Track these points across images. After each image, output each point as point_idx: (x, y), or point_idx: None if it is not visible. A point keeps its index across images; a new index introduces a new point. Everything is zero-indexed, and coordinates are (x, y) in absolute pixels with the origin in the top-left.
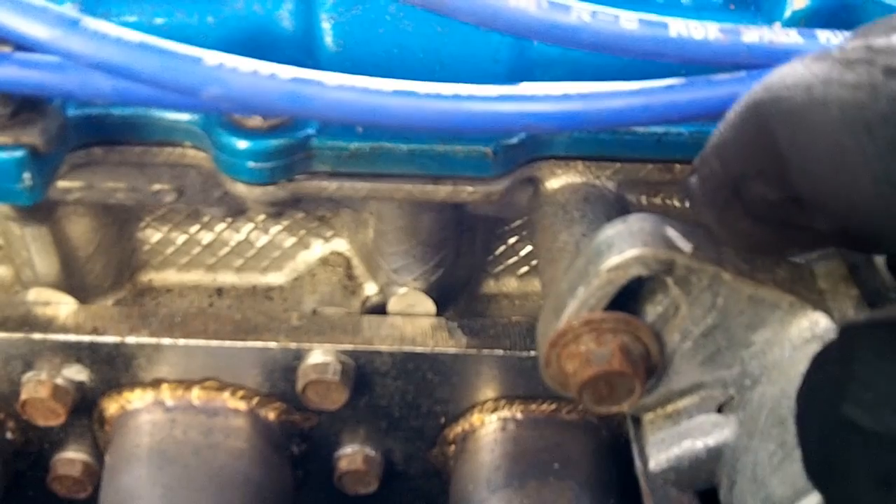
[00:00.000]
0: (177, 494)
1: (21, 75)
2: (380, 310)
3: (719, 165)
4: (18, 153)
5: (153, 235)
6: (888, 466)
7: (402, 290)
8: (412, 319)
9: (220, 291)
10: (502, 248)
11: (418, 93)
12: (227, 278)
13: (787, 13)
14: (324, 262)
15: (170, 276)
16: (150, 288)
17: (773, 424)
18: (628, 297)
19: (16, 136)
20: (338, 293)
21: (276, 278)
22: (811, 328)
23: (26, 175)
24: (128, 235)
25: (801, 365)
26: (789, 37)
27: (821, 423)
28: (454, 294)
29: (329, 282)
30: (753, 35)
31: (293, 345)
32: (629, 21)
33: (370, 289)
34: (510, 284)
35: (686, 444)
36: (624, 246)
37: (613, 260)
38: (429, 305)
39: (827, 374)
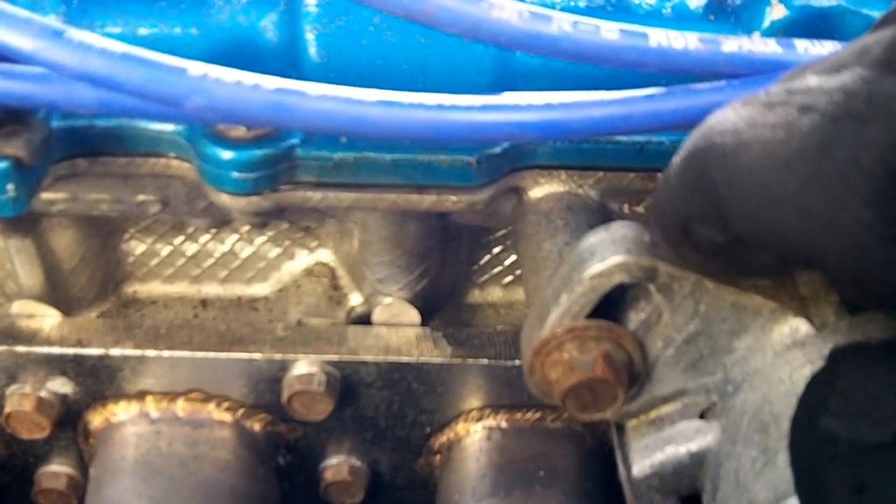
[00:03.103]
0: None
1: (4, 87)
2: (365, 320)
3: (669, 208)
4: (2, 164)
5: (137, 247)
6: (861, 473)
7: (387, 300)
8: (397, 329)
9: (204, 303)
10: (487, 257)
11: (401, 103)
12: (211, 290)
13: (766, 23)
14: (308, 272)
15: (154, 288)
16: (135, 300)
17: (756, 430)
18: (611, 305)
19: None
20: (323, 304)
21: (260, 289)
22: (792, 335)
23: (10, 186)
24: (112, 247)
25: (782, 371)
26: (768, 46)
27: (804, 437)
28: (439, 304)
29: (314, 292)
30: (733, 45)
31: (278, 356)
32: (610, 31)
33: (355, 299)
34: (495, 294)
35: (669, 451)
36: (606, 253)
37: (596, 267)
38: (413, 315)
39: (814, 395)
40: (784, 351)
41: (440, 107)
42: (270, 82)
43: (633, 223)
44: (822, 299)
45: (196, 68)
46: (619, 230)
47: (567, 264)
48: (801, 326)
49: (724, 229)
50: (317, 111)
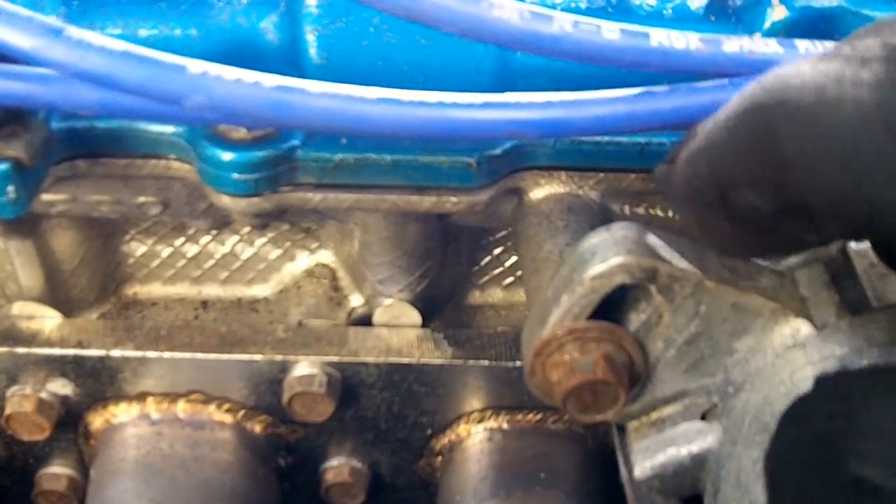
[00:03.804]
0: None
1: (4, 87)
2: (365, 321)
3: (707, 169)
4: (2, 166)
5: (138, 248)
6: None
7: (388, 301)
8: (398, 330)
9: (205, 304)
10: (487, 258)
11: (402, 100)
12: (212, 291)
13: (767, 24)
14: (309, 273)
15: (155, 289)
16: (135, 301)
17: (757, 431)
18: (612, 306)
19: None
20: (323, 305)
21: (261, 290)
22: (793, 335)
23: (10, 188)
24: (112, 248)
25: (783, 372)
26: (769, 46)
27: (822, 484)
28: (440, 305)
29: (315, 294)
30: (734, 45)
31: (279, 357)
32: (611, 31)
33: (356, 300)
34: (496, 295)
35: (670, 452)
36: (608, 254)
37: (597, 268)
38: (414, 316)
39: (815, 429)
40: (785, 352)
41: (441, 104)
42: (270, 80)
43: (633, 224)
44: (824, 300)
45: (196, 66)
46: (620, 231)
47: (568, 265)
48: (801, 327)
49: (776, 196)
50: (317, 109)
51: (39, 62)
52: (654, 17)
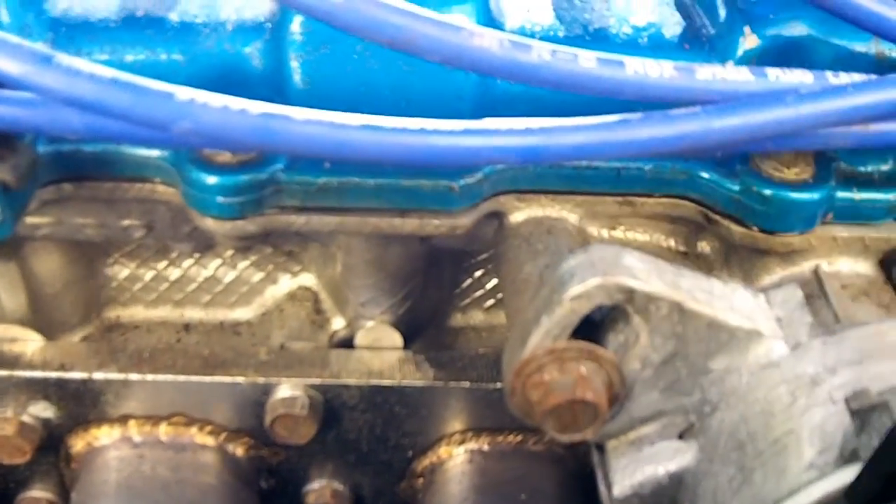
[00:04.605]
0: None
1: None
2: (347, 343)
3: None
4: None
5: (121, 272)
6: None
7: (370, 323)
8: (380, 353)
9: (187, 327)
10: (468, 281)
11: (385, 127)
12: (194, 314)
13: (740, 52)
14: (291, 296)
15: (137, 313)
16: (118, 324)
17: (732, 449)
18: (590, 327)
19: None
20: (306, 328)
21: (243, 313)
22: (767, 355)
23: None
24: (95, 271)
25: (758, 391)
26: (740, 74)
27: None
28: (421, 327)
29: (297, 316)
30: (706, 73)
31: (261, 379)
32: (588, 60)
33: (338, 323)
34: (476, 317)
35: (649, 471)
36: (586, 275)
37: (576, 289)
38: (396, 339)
39: None
40: (759, 371)
41: (423, 131)
42: (257, 107)
43: (611, 246)
44: (797, 320)
45: (183, 93)
46: (598, 252)
47: (547, 286)
48: (775, 346)
49: None
50: (302, 135)
51: (29, 88)
52: (630, 46)
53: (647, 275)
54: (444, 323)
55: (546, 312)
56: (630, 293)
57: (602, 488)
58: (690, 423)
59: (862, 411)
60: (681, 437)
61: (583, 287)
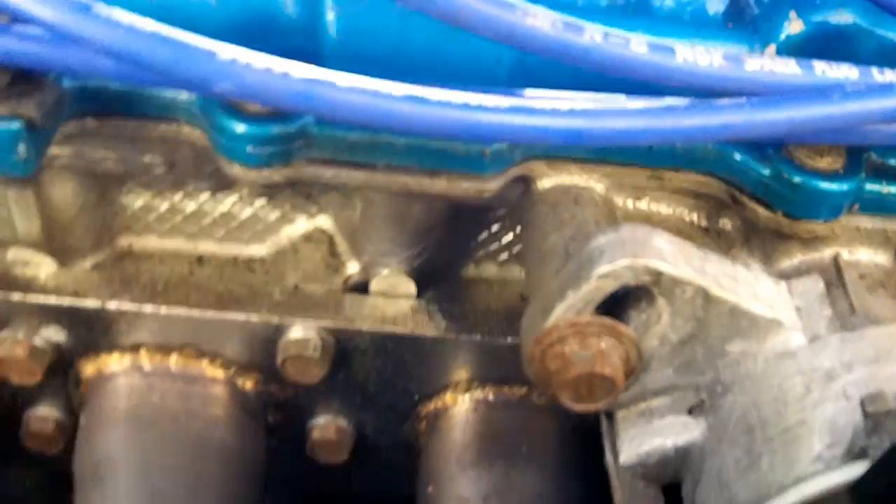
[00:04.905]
0: (153, 458)
1: (21, 48)
2: (362, 288)
3: None
4: (14, 125)
5: (136, 200)
6: None
7: (385, 271)
8: (393, 300)
9: (200, 260)
10: (485, 234)
11: (429, 100)
12: (208, 247)
13: (783, 36)
14: (307, 237)
15: (150, 242)
16: (130, 252)
17: (742, 432)
18: (613, 301)
19: (12, 107)
20: (321, 270)
21: (258, 250)
22: (785, 344)
23: (21, 147)
24: (110, 199)
25: (772, 378)
26: (788, 67)
27: None
28: (436, 277)
29: (312, 258)
30: (755, 64)
31: (275, 319)
32: (639, 45)
33: (353, 267)
34: (490, 270)
35: (656, 442)
36: (615, 255)
37: (604, 268)
38: (410, 287)
39: None
40: (775, 359)
41: (466, 106)
42: (300, 70)
43: (642, 226)
44: (815, 311)
45: (226, 51)
46: (628, 232)
47: (575, 261)
48: (793, 337)
49: None
50: (345, 103)
51: (66, 37)
52: (672, 20)
53: (675, 258)
54: (458, 274)
55: (573, 287)
56: (658, 275)
57: (608, 455)
58: (701, 400)
59: (878, 414)
60: (690, 412)
61: (612, 266)
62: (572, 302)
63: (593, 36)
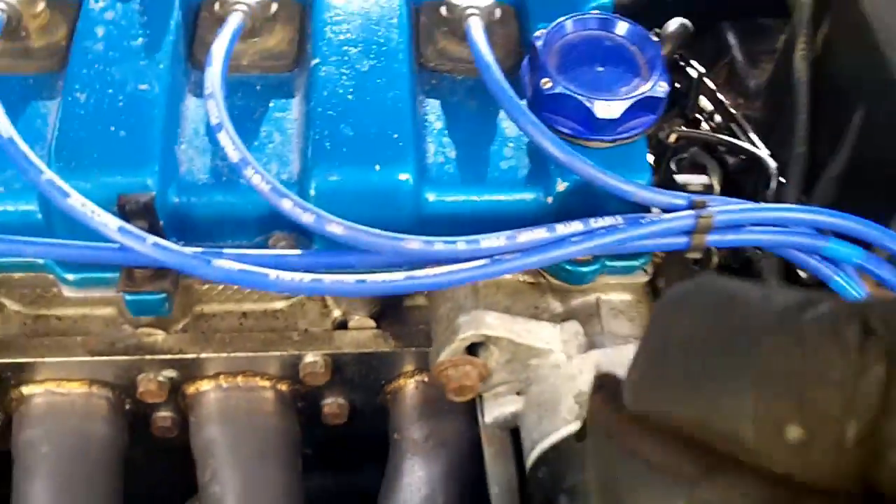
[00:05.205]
0: (243, 443)
1: None
2: (343, 326)
3: None
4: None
5: (203, 284)
6: None
7: (356, 316)
8: (363, 331)
9: (245, 314)
10: None
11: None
12: (249, 306)
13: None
14: (308, 298)
15: (213, 307)
16: (202, 314)
17: (537, 405)
18: (471, 346)
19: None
20: (318, 317)
21: (279, 304)
22: (556, 360)
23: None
24: (190, 288)
25: (550, 378)
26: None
27: None
28: (386, 313)
29: (313, 309)
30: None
31: (296, 352)
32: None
33: (337, 313)
34: (419, 300)
35: (503, 409)
36: (468, 328)
37: (462, 335)
38: (372, 323)
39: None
40: (551, 368)
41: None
42: None
43: (482, 311)
44: (573, 342)
45: None
46: (473, 315)
47: (451, 328)
48: (559, 356)
49: None
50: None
51: None
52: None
53: (496, 327)
54: (401, 305)
55: (448, 344)
56: (487, 336)
57: (480, 417)
58: (521, 388)
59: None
60: (518, 394)
61: (465, 334)
62: (448, 350)
63: None
